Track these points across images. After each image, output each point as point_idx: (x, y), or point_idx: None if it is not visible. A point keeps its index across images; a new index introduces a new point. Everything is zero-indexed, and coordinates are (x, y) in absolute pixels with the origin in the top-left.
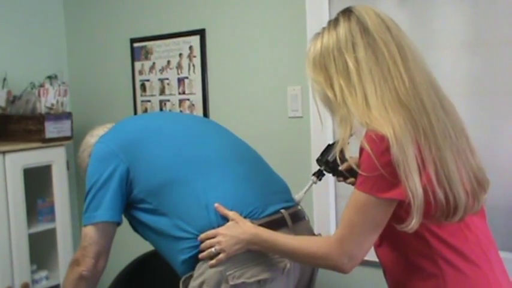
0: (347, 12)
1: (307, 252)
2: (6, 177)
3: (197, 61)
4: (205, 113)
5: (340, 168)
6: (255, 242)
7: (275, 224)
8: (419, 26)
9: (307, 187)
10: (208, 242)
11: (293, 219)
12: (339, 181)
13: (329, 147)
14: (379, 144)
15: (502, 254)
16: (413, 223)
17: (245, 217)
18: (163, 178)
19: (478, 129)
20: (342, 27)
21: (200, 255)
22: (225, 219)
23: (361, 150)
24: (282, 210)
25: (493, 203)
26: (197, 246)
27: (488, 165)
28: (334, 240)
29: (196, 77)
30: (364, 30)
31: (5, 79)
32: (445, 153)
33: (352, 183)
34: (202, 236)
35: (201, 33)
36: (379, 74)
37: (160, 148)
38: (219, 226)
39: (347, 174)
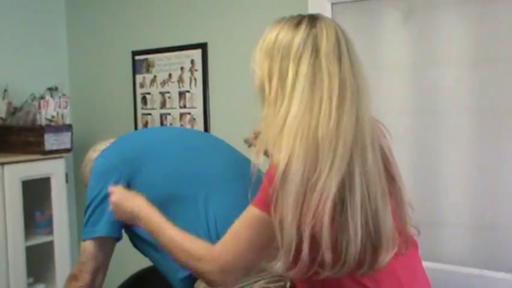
0: (313, 21)
1: (184, 248)
2: (4, 189)
3: (198, 75)
4: (206, 127)
5: None
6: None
7: None
8: (422, 44)
9: None
10: None
11: None
12: None
13: None
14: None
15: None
16: None
17: None
18: (163, 194)
19: (478, 147)
20: (299, 35)
21: None
22: None
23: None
24: None
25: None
26: None
27: (489, 184)
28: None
29: (198, 90)
30: (316, 50)
31: (5, 90)
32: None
33: None
34: None
35: (203, 47)
36: (310, 100)
37: (161, 164)
38: None
39: None
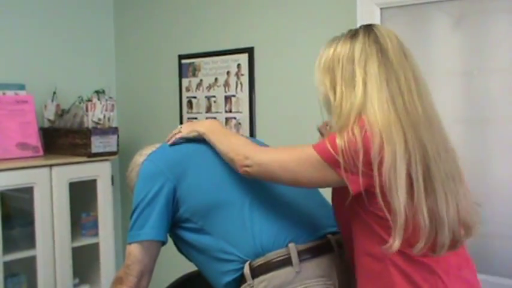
0: (369, 28)
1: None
2: (52, 190)
3: (245, 79)
4: (252, 132)
5: None
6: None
7: (320, 249)
8: (473, 50)
9: None
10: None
11: (339, 244)
12: None
13: None
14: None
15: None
16: None
17: (290, 241)
18: (209, 199)
19: None
20: (360, 42)
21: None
22: (271, 244)
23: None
24: (329, 235)
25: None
26: (241, 269)
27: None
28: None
29: (244, 95)
30: (381, 50)
31: (54, 93)
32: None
33: None
34: None
35: (250, 51)
36: (389, 93)
37: (207, 168)
38: (263, 250)
39: None
